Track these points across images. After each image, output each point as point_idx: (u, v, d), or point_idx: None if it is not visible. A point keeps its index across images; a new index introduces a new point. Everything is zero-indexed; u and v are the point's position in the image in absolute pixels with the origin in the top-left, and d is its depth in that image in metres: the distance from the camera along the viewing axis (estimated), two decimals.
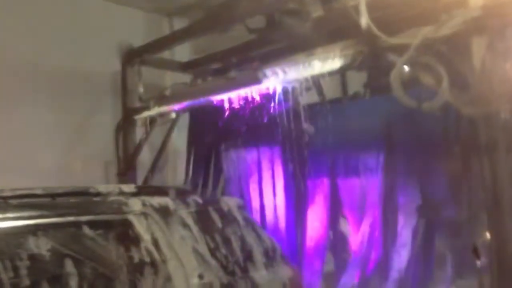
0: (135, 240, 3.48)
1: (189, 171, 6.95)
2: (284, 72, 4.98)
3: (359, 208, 5.50)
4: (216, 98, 5.70)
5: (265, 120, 5.85)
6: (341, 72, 5.62)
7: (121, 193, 3.87)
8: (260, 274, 4.07)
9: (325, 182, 5.73)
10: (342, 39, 4.71)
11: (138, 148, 6.85)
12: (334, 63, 4.69)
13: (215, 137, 6.53)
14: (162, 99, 6.36)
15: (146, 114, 6.55)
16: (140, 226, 3.55)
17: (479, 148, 3.96)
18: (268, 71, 5.07)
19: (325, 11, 4.63)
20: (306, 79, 4.91)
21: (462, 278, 4.73)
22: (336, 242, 5.73)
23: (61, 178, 6.16)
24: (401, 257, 5.03)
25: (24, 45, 6.58)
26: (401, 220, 5.13)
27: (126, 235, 3.46)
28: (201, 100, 5.90)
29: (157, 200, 3.86)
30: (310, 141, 5.72)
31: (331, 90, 6.08)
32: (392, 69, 4.18)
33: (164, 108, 6.40)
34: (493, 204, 3.81)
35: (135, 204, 3.68)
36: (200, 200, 4.21)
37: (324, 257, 5.76)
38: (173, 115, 6.83)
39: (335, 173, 5.69)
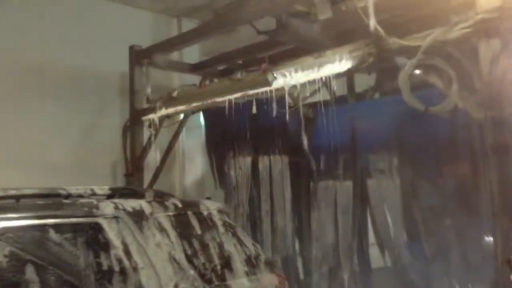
0: (105, 245, 3.28)
1: (215, 177, 6.94)
2: (293, 74, 4.97)
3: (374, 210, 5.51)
4: (224, 100, 5.68)
5: (274, 123, 5.83)
6: (349, 74, 5.62)
7: (93, 195, 3.70)
8: (239, 282, 3.87)
9: (336, 184, 5.73)
10: (350, 41, 4.70)
11: (146, 149, 6.85)
12: (343, 65, 4.68)
13: (227, 142, 6.50)
14: (170, 101, 6.36)
15: (154, 115, 6.55)
16: (110, 231, 3.34)
17: (487, 152, 3.94)
18: (277, 73, 5.06)
19: (334, 13, 4.61)
20: (316, 81, 4.89)
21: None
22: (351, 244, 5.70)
23: (68, 178, 6.18)
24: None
25: (33, 46, 6.64)
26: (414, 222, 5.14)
27: (95, 240, 3.25)
28: (209, 102, 5.88)
29: (131, 203, 3.63)
30: (319, 143, 5.72)
31: (339, 92, 6.07)
32: (401, 71, 4.17)
33: (171, 110, 6.39)
34: (500, 208, 3.78)
35: (107, 207, 3.45)
36: (179, 204, 3.97)
37: (333, 260, 5.75)
38: (181, 116, 6.85)
39: (346, 175, 5.68)
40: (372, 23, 4.21)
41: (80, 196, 3.58)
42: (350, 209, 5.63)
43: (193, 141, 7.88)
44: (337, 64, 4.72)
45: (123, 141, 7.02)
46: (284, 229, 6.10)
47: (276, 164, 6.20)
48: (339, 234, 5.66)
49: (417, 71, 4.23)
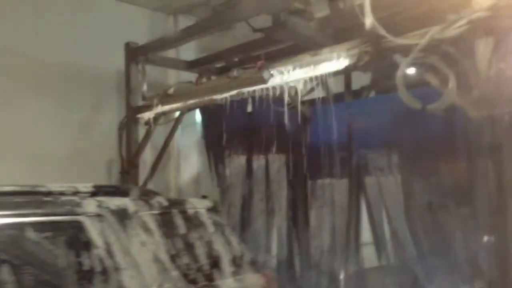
0: (87, 245, 3.20)
1: (214, 175, 6.92)
2: (289, 72, 4.95)
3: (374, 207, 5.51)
4: (220, 97, 5.66)
5: (270, 121, 5.80)
6: (346, 73, 5.61)
7: (76, 193, 3.57)
8: (226, 282, 3.82)
9: (333, 182, 5.72)
10: (347, 39, 4.69)
11: (141, 146, 6.83)
12: (340, 63, 4.67)
13: (224, 140, 6.48)
14: (166, 98, 6.33)
15: (150, 112, 6.52)
16: (93, 230, 3.27)
17: (484, 150, 3.94)
18: (273, 71, 5.05)
19: (331, 10, 4.61)
20: (312, 79, 4.88)
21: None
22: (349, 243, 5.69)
23: (64, 174, 6.16)
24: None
25: (29, 42, 6.61)
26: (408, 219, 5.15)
27: (76, 239, 3.17)
28: (206, 99, 5.86)
29: (115, 201, 3.57)
30: (316, 141, 5.72)
31: (335, 90, 6.06)
32: (397, 70, 4.16)
33: (167, 107, 6.37)
34: (497, 206, 3.79)
35: (89, 205, 3.39)
36: (165, 202, 3.92)
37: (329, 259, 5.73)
38: (177, 114, 6.83)
39: (345, 173, 5.67)
40: (369, 21, 4.19)
41: (62, 193, 3.47)
42: (346, 208, 5.63)
43: (189, 139, 7.86)
44: (334, 62, 4.71)
45: (118, 138, 6.99)
46: (281, 228, 6.09)
47: (273, 163, 6.19)
48: (336, 233, 5.65)
49: (414, 70, 4.21)
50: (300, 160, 5.95)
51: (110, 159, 7.22)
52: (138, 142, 6.87)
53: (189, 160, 7.97)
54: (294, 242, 6.13)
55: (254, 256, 5.29)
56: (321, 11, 4.65)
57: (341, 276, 5.55)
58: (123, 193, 3.86)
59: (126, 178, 6.84)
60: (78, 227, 3.24)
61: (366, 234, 5.69)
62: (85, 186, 3.71)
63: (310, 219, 5.88)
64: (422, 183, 5.05)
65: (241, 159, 6.45)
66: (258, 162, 6.31)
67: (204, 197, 7.06)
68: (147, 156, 7.16)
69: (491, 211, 3.83)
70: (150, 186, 6.78)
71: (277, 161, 6.18)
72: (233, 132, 6.22)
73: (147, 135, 6.75)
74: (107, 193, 3.76)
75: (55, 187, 3.48)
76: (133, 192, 3.91)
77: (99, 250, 3.24)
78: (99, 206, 3.45)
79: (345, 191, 5.63)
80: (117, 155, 7.01)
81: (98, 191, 3.72)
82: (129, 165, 6.87)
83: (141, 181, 6.83)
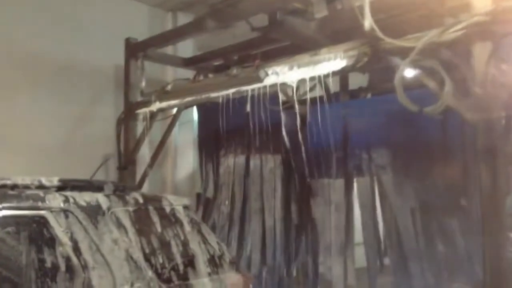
0: (50, 241, 3.08)
1: (203, 176, 6.92)
2: (286, 71, 4.96)
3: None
4: (217, 95, 5.66)
5: (266, 120, 5.80)
6: (344, 74, 5.62)
7: (41, 186, 3.44)
8: (200, 281, 3.72)
9: (330, 182, 5.73)
10: (346, 40, 4.70)
11: (139, 142, 6.83)
12: (337, 64, 4.67)
13: (219, 140, 6.47)
14: (164, 94, 6.34)
15: (147, 108, 6.53)
16: (57, 226, 3.14)
17: (479, 153, 3.96)
18: (269, 70, 5.05)
19: (330, 11, 4.61)
20: (310, 79, 4.88)
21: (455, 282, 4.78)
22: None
23: (60, 169, 6.14)
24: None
25: (28, 37, 6.61)
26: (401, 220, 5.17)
27: (40, 235, 3.05)
28: (202, 97, 5.86)
29: (85, 197, 3.43)
30: (313, 141, 5.72)
31: (333, 90, 6.06)
32: (394, 71, 4.17)
33: (165, 103, 6.38)
34: (490, 209, 3.81)
35: (54, 199, 3.25)
36: (140, 198, 3.80)
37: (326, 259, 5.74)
38: (174, 110, 6.83)
39: (341, 173, 5.69)
40: (368, 22, 4.20)
41: (27, 187, 3.37)
42: (341, 208, 5.65)
43: (186, 136, 7.87)
44: (332, 62, 4.71)
45: (116, 134, 6.99)
46: (272, 229, 6.09)
47: (268, 163, 6.19)
48: (332, 233, 5.66)
49: (412, 72, 4.22)
50: (296, 159, 5.95)
51: (108, 154, 7.21)
52: (136, 138, 6.87)
53: (185, 157, 7.98)
54: (286, 242, 6.13)
55: (238, 256, 5.31)
56: (320, 12, 4.66)
57: (333, 276, 5.56)
58: (97, 188, 3.73)
59: (123, 173, 6.84)
60: (42, 222, 3.12)
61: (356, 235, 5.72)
62: (49, 180, 3.56)
63: (308, 220, 5.89)
64: (416, 185, 5.07)
65: (235, 159, 6.45)
66: (254, 161, 6.30)
67: (198, 194, 7.12)
68: (145, 152, 7.15)
69: (484, 214, 3.84)
70: (147, 182, 6.78)
71: (272, 161, 6.17)
72: (228, 131, 6.21)
73: (145, 131, 6.75)
74: (76, 187, 3.61)
75: (20, 180, 3.38)
76: (108, 187, 3.79)
77: (65, 247, 3.13)
78: (66, 201, 3.32)
79: (341, 191, 5.64)
80: (115, 150, 7.01)
81: (65, 186, 3.58)
82: (126, 161, 6.88)
83: (138, 176, 6.83)
